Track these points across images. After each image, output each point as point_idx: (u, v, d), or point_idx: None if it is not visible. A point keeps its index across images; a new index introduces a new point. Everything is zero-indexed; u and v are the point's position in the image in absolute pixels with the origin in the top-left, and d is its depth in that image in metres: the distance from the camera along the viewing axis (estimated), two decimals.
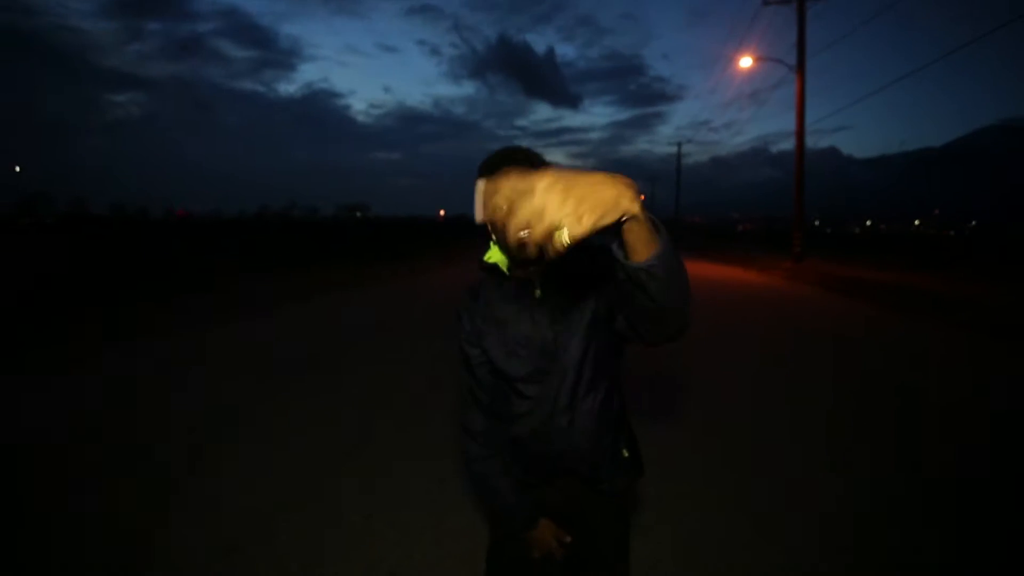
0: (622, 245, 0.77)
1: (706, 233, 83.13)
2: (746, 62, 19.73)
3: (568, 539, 1.30)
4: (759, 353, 6.25)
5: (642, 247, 0.76)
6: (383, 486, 3.00)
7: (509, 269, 1.23)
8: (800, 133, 18.56)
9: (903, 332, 7.74)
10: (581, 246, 0.67)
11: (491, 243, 1.24)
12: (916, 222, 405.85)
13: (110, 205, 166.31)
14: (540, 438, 1.25)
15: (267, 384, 4.81)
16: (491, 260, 1.25)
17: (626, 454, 1.32)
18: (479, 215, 0.77)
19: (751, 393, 4.74)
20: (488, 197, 0.70)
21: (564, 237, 0.65)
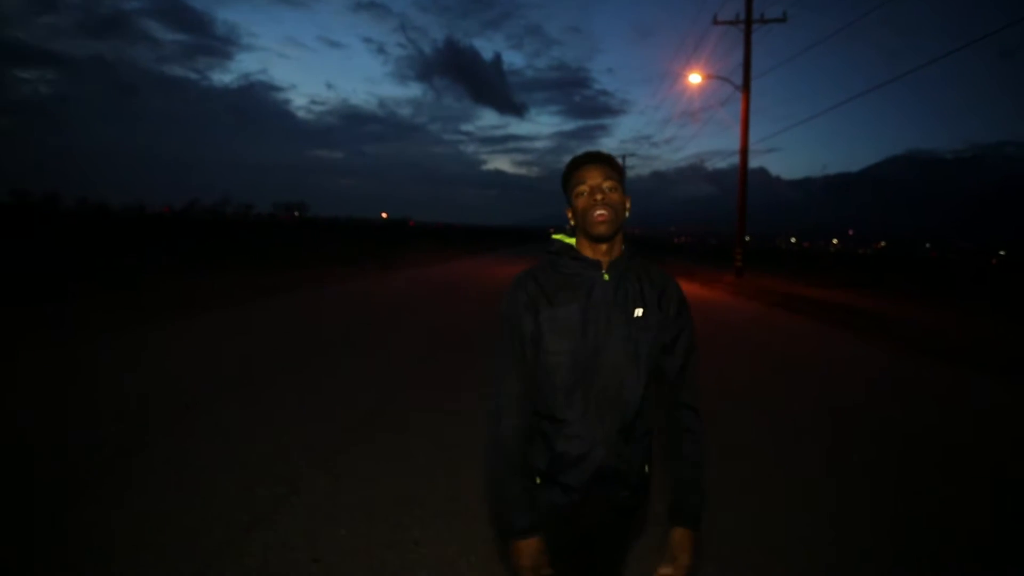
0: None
1: (646, 245, 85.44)
2: (695, 79, 20.11)
3: (549, 572, 1.27)
4: (721, 375, 5.99)
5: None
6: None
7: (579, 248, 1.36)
8: (744, 150, 19.06)
9: (853, 349, 7.82)
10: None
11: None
12: (834, 240, 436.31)
13: (10, 191, 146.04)
14: (585, 463, 1.30)
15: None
16: (559, 239, 1.39)
17: (647, 470, 1.39)
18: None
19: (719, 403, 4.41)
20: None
21: None
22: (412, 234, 69.41)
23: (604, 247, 1.32)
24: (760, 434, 4.19)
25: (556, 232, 1.47)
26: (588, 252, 1.33)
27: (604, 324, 1.28)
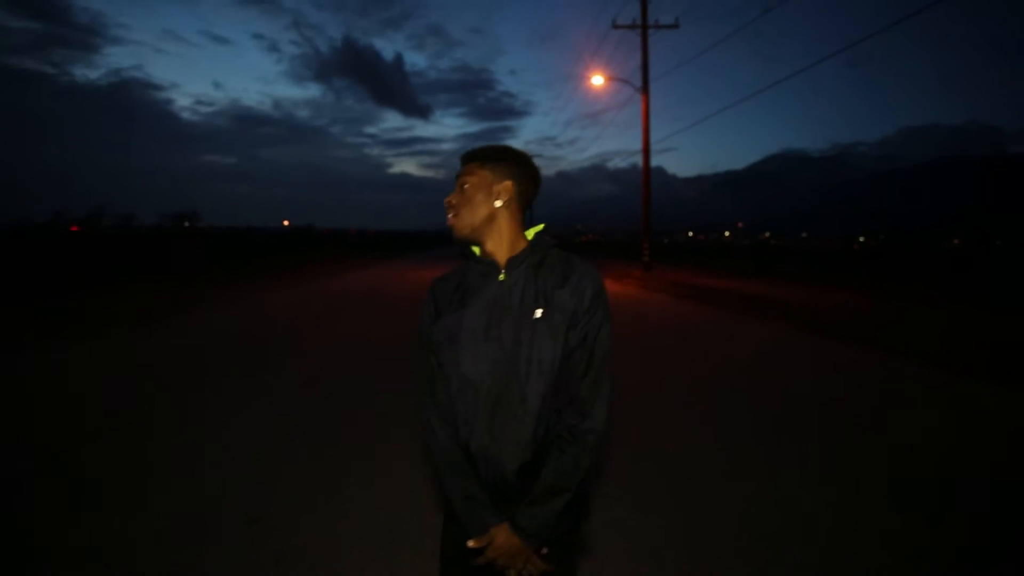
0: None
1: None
2: (598, 80, 20.80)
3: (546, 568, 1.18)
4: (639, 358, 6.15)
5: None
6: None
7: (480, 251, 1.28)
8: (646, 148, 19.99)
9: (756, 331, 8.36)
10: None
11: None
12: (726, 233, 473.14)
13: None
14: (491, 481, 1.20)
15: None
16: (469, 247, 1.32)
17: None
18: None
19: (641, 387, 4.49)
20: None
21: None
22: (318, 241, 66.19)
23: (497, 246, 1.24)
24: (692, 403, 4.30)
25: None
26: (488, 253, 1.25)
27: (498, 329, 1.18)
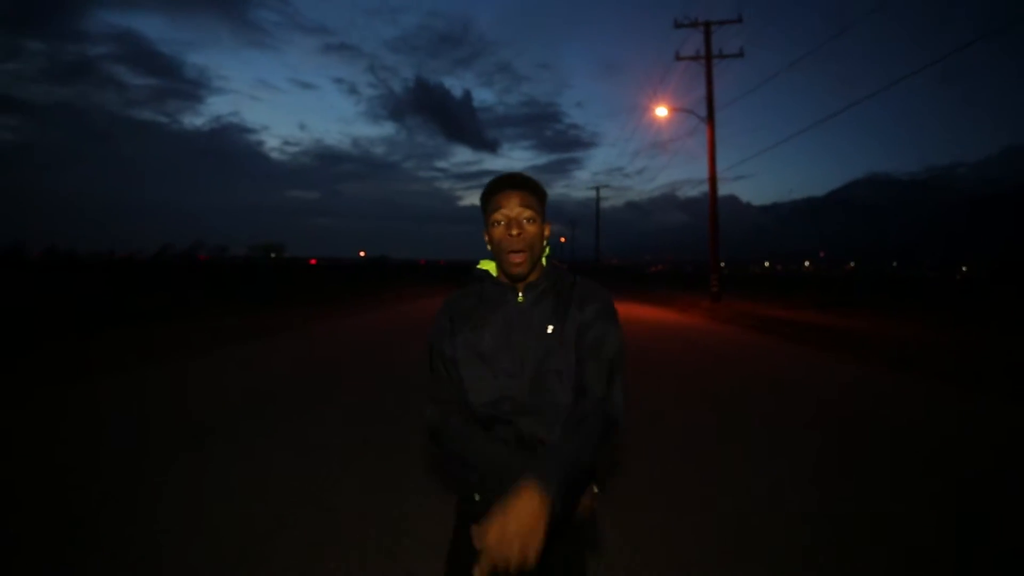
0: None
1: (623, 275, 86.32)
2: (662, 112, 20.88)
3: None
4: (695, 393, 6.07)
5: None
6: None
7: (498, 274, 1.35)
8: (712, 179, 19.69)
9: (828, 366, 7.99)
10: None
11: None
12: (806, 263, 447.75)
13: None
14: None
15: None
16: (483, 267, 1.38)
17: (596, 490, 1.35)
18: None
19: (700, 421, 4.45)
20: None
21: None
22: (394, 271, 69.14)
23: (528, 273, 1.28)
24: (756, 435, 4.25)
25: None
26: (505, 276, 1.31)
27: (517, 348, 1.24)
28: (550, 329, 1.26)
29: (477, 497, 1.24)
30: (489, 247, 1.31)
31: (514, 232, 1.23)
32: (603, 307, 1.29)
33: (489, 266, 1.36)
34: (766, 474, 3.78)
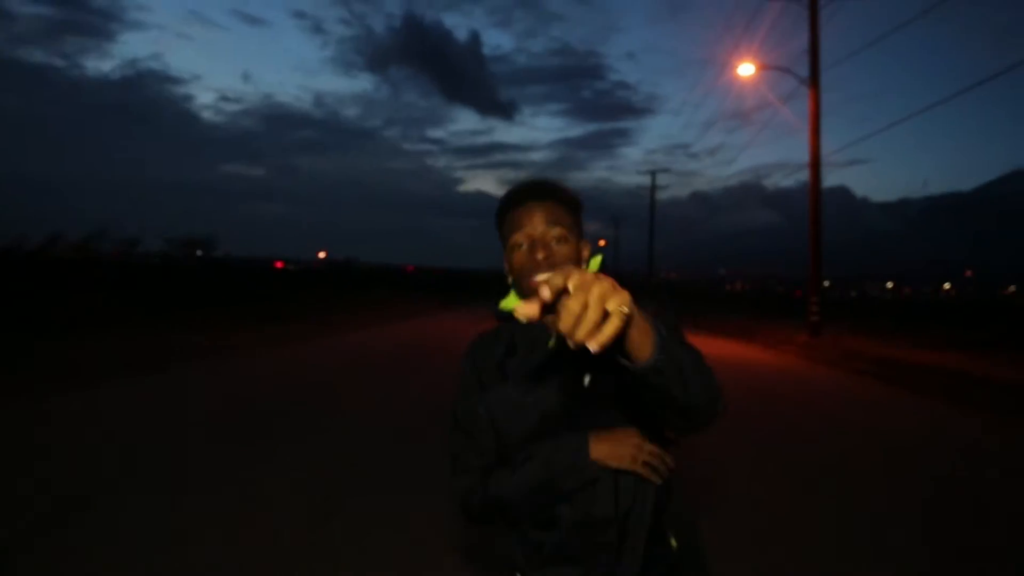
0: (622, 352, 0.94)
1: (687, 294, 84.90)
2: (747, 69, 21.01)
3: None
4: (775, 468, 6.03)
5: (643, 344, 0.93)
6: None
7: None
8: (815, 164, 19.75)
9: (979, 437, 7.87)
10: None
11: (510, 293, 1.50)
12: (946, 285, 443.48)
13: None
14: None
15: None
16: (507, 308, 1.48)
17: (674, 543, 1.41)
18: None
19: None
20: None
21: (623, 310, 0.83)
22: (362, 279, 69.56)
23: None
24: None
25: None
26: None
27: (547, 402, 1.35)
28: (587, 380, 1.33)
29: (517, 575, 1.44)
30: (510, 278, 1.39)
31: (540, 256, 1.29)
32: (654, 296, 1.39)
33: (515, 304, 1.43)
34: None
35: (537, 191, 1.34)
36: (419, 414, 7.77)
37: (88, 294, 21.83)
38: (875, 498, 5.33)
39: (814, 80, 19.95)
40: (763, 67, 21.21)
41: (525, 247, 1.31)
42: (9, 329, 13.00)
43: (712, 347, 18.39)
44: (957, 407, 9.92)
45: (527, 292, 1.32)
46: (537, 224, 1.31)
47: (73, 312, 16.95)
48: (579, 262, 1.35)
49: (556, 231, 1.31)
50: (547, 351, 1.38)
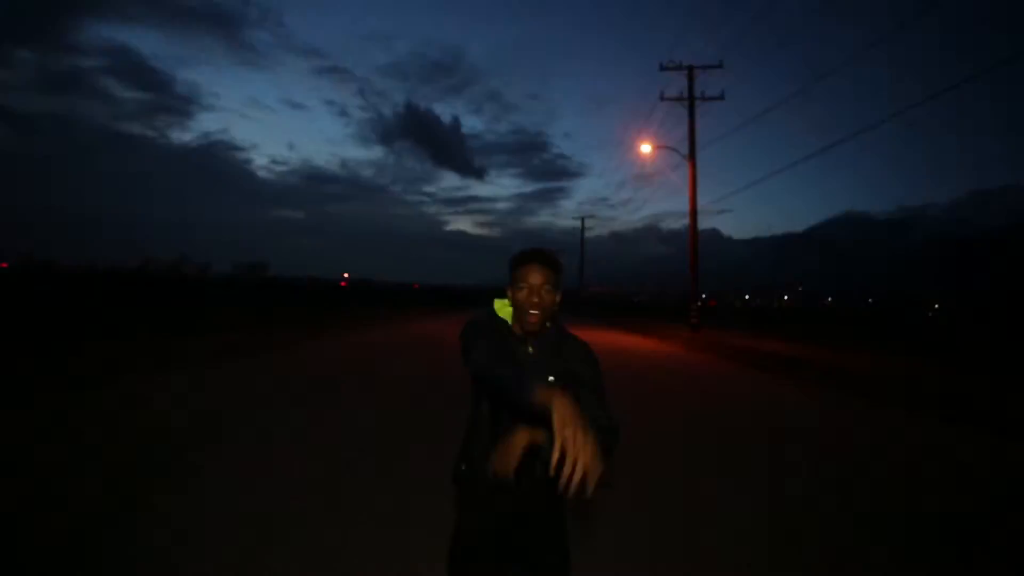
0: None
1: (607, 304, 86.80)
2: (646, 148, 21.70)
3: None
4: (676, 418, 6.42)
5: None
6: None
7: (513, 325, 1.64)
8: (693, 213, 20.43)
9: (772, 388, 8.42)
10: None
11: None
12: (785, 297, 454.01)
13: None
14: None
15: None
16: (502, 313, 1.67)
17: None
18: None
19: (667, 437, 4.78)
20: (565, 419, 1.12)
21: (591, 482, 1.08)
22: (377, 295, 68.75)
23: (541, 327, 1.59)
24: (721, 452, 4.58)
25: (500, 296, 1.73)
26: (519, 327, 1.61)
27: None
28: (551, 379, 1.53)
29: (463, 467, 1.62)
30: (511, 304, 1.61)
31: (534, 299, 1.55)
32: (596, 366, 1.61)
33: (505, 311, 1.67)
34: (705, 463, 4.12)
35: (539, 257, 1.56)
36: (424, 380, 7.97)
37: (225, 308, 21.70)
38: (707, 429, 5.70)
39: (692, 155, 20.71)
40: (658, 146, 21.92)
41: (526, 291, 1.54)
42: (165, 333, 12.79)
43: (624, 340, 18.85)
44: (786, 377, 10.44)
45: (520, 314, 1.56)
46: (536, 278, 1.54)
47: (216, 320, 16.82)
48: (554, 304, 1.57)
49: (547, 286, 1.54)
50: (526, 357, 1.58)
